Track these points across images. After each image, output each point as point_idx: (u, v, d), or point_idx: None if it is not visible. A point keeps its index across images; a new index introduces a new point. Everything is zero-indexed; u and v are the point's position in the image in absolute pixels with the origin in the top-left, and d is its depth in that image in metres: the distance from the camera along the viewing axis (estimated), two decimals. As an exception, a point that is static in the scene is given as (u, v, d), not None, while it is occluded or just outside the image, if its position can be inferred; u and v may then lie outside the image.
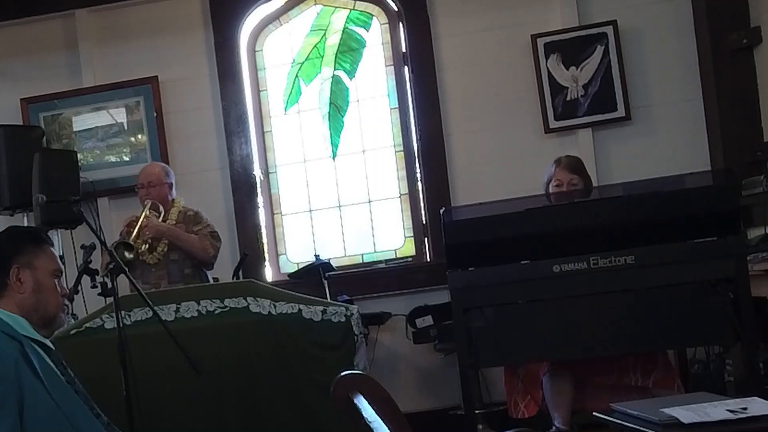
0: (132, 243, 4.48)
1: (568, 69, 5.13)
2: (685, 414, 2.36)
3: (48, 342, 2.49)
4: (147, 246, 4.58)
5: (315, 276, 5.00)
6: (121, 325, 3.46)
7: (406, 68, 5.43)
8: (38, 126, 5.35)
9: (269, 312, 3.82)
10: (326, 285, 4.90)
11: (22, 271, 2.46)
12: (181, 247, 4.56)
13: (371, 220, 5.50)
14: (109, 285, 3.59)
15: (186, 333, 3.66)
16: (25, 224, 4.90)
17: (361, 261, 5.49)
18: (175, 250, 4.58)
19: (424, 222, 5.38)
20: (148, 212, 4.61)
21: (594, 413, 2.77)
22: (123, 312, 3.56)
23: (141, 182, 4.76)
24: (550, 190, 3.89)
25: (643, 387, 3.56)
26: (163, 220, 4.64)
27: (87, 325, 3.87)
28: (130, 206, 5.34)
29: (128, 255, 4.47)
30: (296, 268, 5.30)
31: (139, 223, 4.55)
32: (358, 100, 5.54)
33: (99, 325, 3.85)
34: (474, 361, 3.40)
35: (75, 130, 5.44)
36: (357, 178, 5.52)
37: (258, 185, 5.45)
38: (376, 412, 2.01)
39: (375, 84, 5.53)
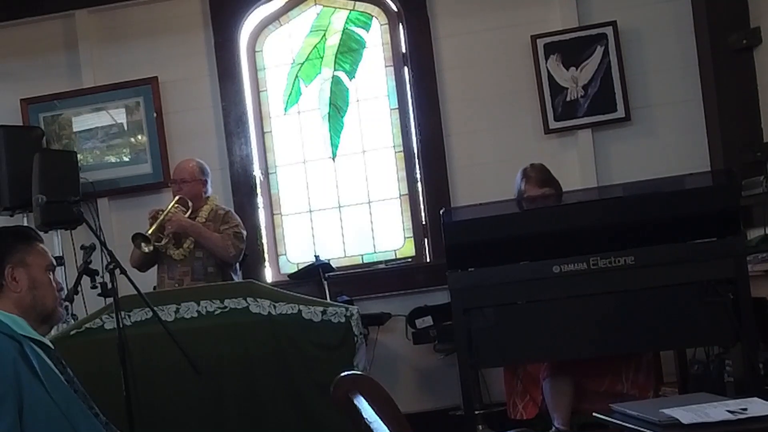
0: (148, 236, 4.48)
1: (567, 69, 5.13)
2: (685, 414, 2.36)
3: (46, 341, 2.49)
4: (168, 240, 4.57)
5: (315, 276, 5.00)
6: (120, 325, 3.47)
7: (406, 69, 5.43)
8: (38, 126, 5.35)
9: (269, 312, 3.82)
10: (326, 285, 4.91)
11: (16, 270, 2.46)
12: (202, 244, 4.55)
13: (371, 221, 5.50)
14: (109, 285, 3.60)
15: (186, 333, 3.67)
16: (25, 225, 4.90)
17: (361, 261, 5.49)
18: (201, 248, 4.57)
19: (424, 222, 5.38)
20: (174, 206, 4.60)
21: (594, 414, 2.77)
22: (123, 312, 3.57)
23: (174, 178, 4.76)
24: (524, 205, 3.91)
25: (628, 394, 3.56)
26: (193, 218, 4.61)
27: (87, 325, 3.87)
28: (131, 206, 5.36)
29: (145, 248, 4.48)
30: (296, 269, 5.30)
31: (162, 217, 4.55)
32: (358, 101, 5.54)
33: (99, 326, 3.86)
34: (474, 362, 3.40)
35: (75, 130, 5.44)
36: (357, 179, 5.52)
37: (258, 186, 5.45)
38: (376, 413, 2.01)
39: (375, 84, 5.53)
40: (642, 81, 5.13)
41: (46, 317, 2.51)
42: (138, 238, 4.49)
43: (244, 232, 4.67)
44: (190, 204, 4.62)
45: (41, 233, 4.63)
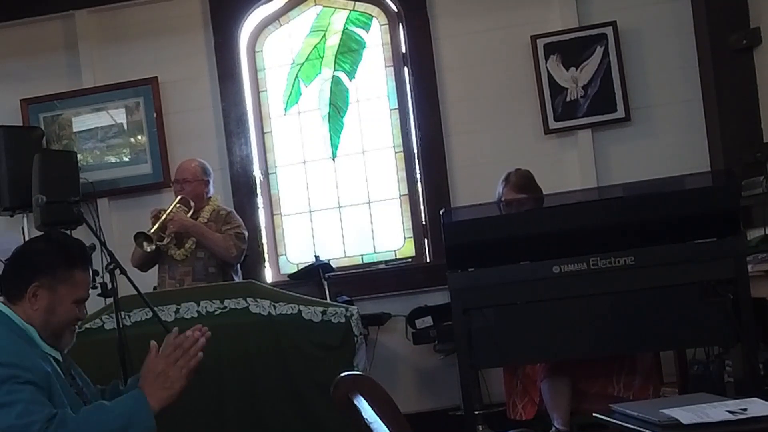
0: (150, 234, 4.49)
1: (567, 70, 5.13)
2: (685, 415, 2.36)
3: (57, 354, 2.47)
4: (170, 239, 4.58)
5: (315, 277, 5.00)
6: (120, 325, 3.47)
7: (405, 69, 5.43)
8: (38, 127, 5.35)
9: (269, 313, 3.82)
10: (326, 286, 4.91)
11: (41, 290, 2.42)
12: (204, 244, 4.56)
13: (371, 221, 5.50)
14: (109, 285, 3.60)
15: (186, 334, 3.66)
16: (25, 225, 4.90)
17: (360, 262, 5.49)
18: (203, 248, 4.58)
19: (424, 223, 5.38)
20: (176, 206, 4.61)
21: (594, 414, 2.77)
22: (123, 313, 3.57)
23: (176, 177, 4.76)
24: (502, 208, 3.93)
25: (620, 397, 3.55)
26: (195, 218, 4.62)
27: (87, 325, 3.87)
28: (131, 207, 5.37)
29: (147, 247, 4.48)
30: (296, 269, 5.30)
31: (164, 216, 4.56)
32: (358, 101, 5.55)
33: (99, 326, 3.86)
34: (474, 362, 3.41)
35: (75, 130, 5.44)
36: (357, 179, 5.52)
37: (258, 186, 5.45)
38: (376, 413, 2.01)
39: (375, 85, 5.53)
40: (642, 81, 5.14)
41: (50, 342, 2.45)
42: (140, 236, 4.50)
43: (246, 233, 4.68)
44: (192, 204, 4.63)
45: (41, 233, 4.68)
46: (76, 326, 2.54)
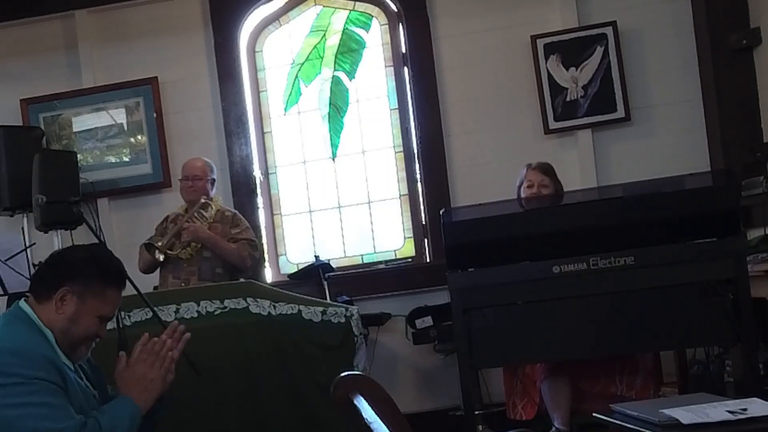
0: (160, 247, 4.53)
1: (567, 70, 5.14)
2: (685, 415, 2.36)
3: (69, 363, 2.46)
4: (181, 248, 4.57)
5: (315, 277, 5.00)
6: (121, 325, 3.47)
7: (405, 69, 5.43)
8: (38, 126, 5.35)
9: (269, 313, 3.81)
10: (326, 286, 4.91)
11: (69, 296, 2.40)
12: (219, 254, 4.56)
13: (371, 221, 5.50)
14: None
15: (186, 333, 3.66)
16: (25, 225, 4.90)
17: (360, 262, 5.49)
18: (209, 248, 4.59)
19: (424, 223, 5.38)
20: (196, 214, 4.61)
21: (594, 414, 2.77)
22: (123, 312, 3.56)
23: (185, 174, 4.74)
24: (522, 194, 3.95)
25: (623, 397, 3.55)
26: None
27: (87, 325, 3.86)
28: (131, 207, 5.37)
29: (159, 256, 4.52)
30: (296, 269, 5.30)
31: (179, 224, 4.57)
32: (358, 101, 5.54)
33: (99, 326, 3.84)
34: (474, 362, 3.41)
35: (75, 130, 5.44)
36: (357, 179, 5.52)
37: (258, 186, 5.45)
38: (376, 413, 2.01)
39: (375, 85, 5.53)
40: (642, 81, 5.14)
41: (66, 351, 2.44)
42: (152, 249, 4.52)
43: (256, 239, 4.70)
44: (212, 208, 4.63)
45: (41, 233, 4.69)
46: (93, 343, 2.52)
